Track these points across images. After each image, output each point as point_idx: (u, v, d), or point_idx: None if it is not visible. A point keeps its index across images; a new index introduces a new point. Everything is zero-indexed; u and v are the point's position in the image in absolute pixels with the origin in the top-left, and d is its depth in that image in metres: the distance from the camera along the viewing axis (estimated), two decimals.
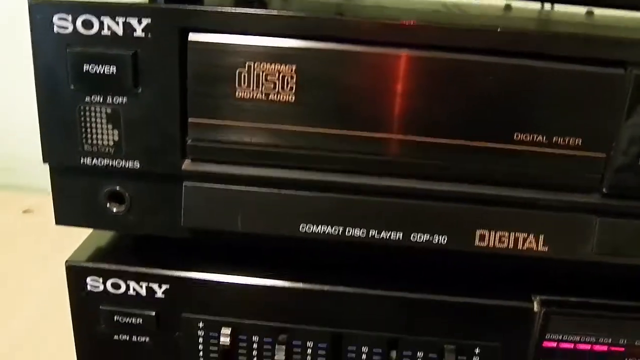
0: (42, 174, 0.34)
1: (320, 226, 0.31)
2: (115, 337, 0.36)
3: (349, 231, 0.31)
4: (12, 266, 0.59)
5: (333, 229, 0.31)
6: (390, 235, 0.31)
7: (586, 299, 0.34)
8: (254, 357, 0.35)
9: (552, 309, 0.33)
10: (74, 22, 0.29)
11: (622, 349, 0.34)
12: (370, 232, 0.31)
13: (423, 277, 0.35)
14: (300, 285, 0.34)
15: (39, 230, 0.62)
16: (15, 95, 0.77)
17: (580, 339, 0.34)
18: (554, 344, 0.34)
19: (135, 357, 0.36)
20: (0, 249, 0.61)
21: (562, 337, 0.34)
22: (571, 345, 0.34)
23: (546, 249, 0.31)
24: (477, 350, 0.34)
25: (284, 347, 0.34)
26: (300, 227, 0.31)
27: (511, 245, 0.31)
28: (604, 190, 0.31)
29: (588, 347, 0.34)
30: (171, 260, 0.35)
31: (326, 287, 0.34)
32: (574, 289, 0.34)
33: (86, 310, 0.35)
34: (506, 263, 0.33)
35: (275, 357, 0.35)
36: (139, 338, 0.36)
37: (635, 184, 0.30)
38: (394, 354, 0.35)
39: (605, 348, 0.34)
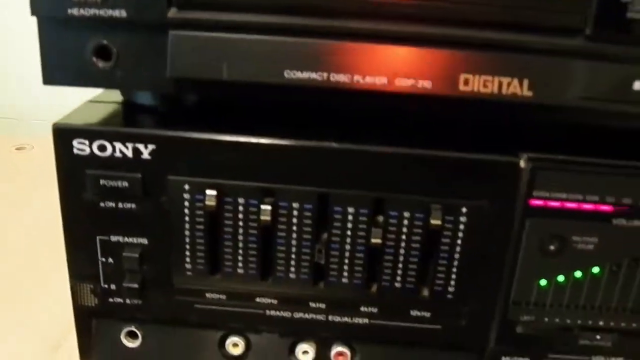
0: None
1: (305, 72, 0.31)
2: (102, 204, 0.36)
3: (333, 77, 0.31)
4: (9, 192, 0.60)
5: (318, 74, 0.31)
6: (374, 81, 0.31)
7: (573, 157, 0.34)
8: (239, 219, 0.35)
9: (538, 164, 0.33)
10: None
11: (609, 207, 0.34)
12: (355, 78, 0.31)
13: (410, 133, 0.35)
14: (286, 142, 0.34)
15: (32, 163, 0.64)
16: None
17: (567, 196, 0.34)
18: (541, 202, 0.34)
19: (122, 226, 0.36)
20: None
21: (549, 194, 0.34)
22: (558, 204, 0.34)
23: (530, 93, 0.31)
24: (464, 210, 0.34)
25: (269, 208, 0.34)
26: (285, 73, 0.32)
27: (495, 90, 0.31)
28: (587, 32, 0.31)
29: (575, 205, 0.34)
30: (158, 125, 0.35)
31: (312, 144, 0.34)
32: (562, 149, 0.34)
33: (73, 176, 0.35)
34: (493, 117, 0.33)
35: (261, 218, 0.34)
36: (125, 205, 0.36)
37: (619, 25, 0.30)
38: (380, 218, 0.35)
39: (592, 207, 0.34)
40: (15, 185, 0.61)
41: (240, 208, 0.35)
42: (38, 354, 0.43)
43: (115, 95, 0.39)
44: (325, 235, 0.35)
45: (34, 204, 0.58)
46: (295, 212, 0.35)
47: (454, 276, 0.35)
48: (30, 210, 0.57)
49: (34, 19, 0.32)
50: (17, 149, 0.67)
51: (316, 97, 0.33)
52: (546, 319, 0.36)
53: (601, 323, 0.36)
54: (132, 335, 0.39)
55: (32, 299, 0.48)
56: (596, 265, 0.35)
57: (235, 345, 0.39)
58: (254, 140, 0.34)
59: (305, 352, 0.39)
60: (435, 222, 0.34)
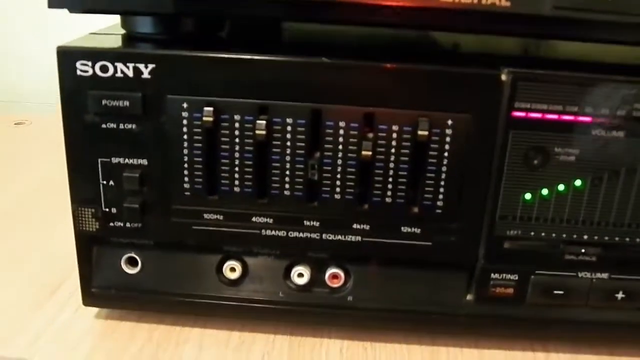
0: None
1: None
2: (103, 125, 0.37)
3: None
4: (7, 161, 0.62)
5: None
6: None
7: (553, 71, 0.35)
8: (236, 136, 0.36)
9: (519, 75, 0.35)
10: None
11: (588, 118, 0.35)
12: None
13: (396, 51, 0.37)
14: (279, 58, 0.35)
15: (30, 137, 0.66)
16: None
17: (547, 108, 0.35)
18: (523, 114, 0.35)
19: (123, 147, 0.37)
20: None
21: (530, 106, 0.35)
22: (539, 115, 0.35)
23: (508, 3, 0.33)
24: (449, 122, 0.36)
25: (264, 123, 0.36)
26: None
27: (475, 0, 0.33)
28: None
29: (556, 116, 0.35)
30: (157, 48, 0.37)
31: (304, 59, 0.35)
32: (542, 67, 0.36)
33: (76, 98, 0.37)
34: (473, 30, 0.35)
35: (256, 133, 0.36)
36: (125, 126, 0.37)
37: None
38: (370, 134, 0.36)
39: (572, 118, 0.35)
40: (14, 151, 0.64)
41: (237, 125, 0.36)
42: (37, 297, 0.44)
43: (117, 30, 0.41)
44: (318, 154, 0.37)
45: (34, 163, 0.60)
46: (289, 128, 0.36)
47: (442, 190, 0.37)
48: (30, 168, 0.60)
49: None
50: (16, 124, 0.69)
51: (305, 11, 0.34)
52: (532, 234, 0.38)
53: (585, 237, 0.38)
54: (131, 262, 0.41)
55: (33, 249, 0.49)
56: (578, 178, 0.37)
57: (232, 269, 0.40)
58: (248, 56, 0.35)
59: (300, 274, 0.40)
60: (422, 133, 0.35)
